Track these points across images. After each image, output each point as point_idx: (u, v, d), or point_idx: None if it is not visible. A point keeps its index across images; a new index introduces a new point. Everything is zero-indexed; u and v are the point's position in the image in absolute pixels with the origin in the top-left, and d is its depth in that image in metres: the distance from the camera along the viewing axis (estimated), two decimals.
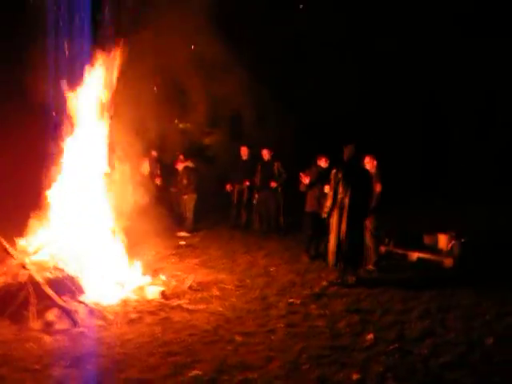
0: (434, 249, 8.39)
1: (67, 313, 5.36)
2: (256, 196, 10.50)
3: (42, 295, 5.55)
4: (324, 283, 6.74)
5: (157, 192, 10.26)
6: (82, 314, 5.55)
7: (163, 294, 6.15)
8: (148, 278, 6.81)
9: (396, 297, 6.21)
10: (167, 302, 5.95)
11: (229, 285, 6.60)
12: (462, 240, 8.10)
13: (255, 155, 10.92)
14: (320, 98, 22.91)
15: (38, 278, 5.75)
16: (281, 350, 4.55)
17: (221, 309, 5.67)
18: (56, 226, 6.58)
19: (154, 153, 10.50)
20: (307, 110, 24.88)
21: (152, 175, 10.15)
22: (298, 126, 26.32)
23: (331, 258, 6.68)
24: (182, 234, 10.07)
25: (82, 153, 6.77)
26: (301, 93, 22.85)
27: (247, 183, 10.66)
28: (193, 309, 5.67)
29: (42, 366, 4.13)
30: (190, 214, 10.12)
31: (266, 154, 10.46)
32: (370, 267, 7.38)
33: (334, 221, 6.65)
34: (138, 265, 7.15)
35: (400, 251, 8.49)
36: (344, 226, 6.58)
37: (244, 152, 10.87)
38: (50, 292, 5.59)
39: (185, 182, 9.99)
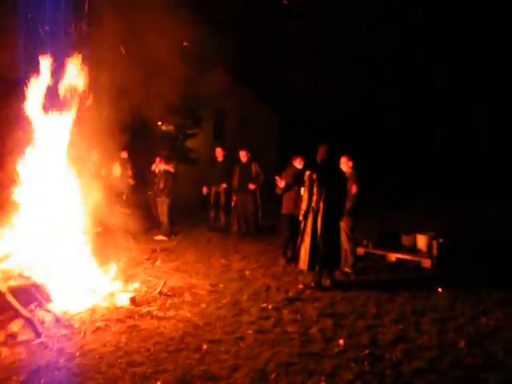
0: (413, 249, 8.31)
1: (30, 323, 5.14)
2: (234, 198, 10.35)
3: (6, 305, 5.35)
4: (300, 286, 6.61)
5: (131, 194, 10.09)
6: (48, 323, 5.36)
7: (133, 301, 5.95)
8: (119, 284, 6.62)
9: (371, 300, 6.09)
10: (136, 308, 5.76)
11: (201, 290, 6.43)
12: (441, 240, 8.03)
13: (230, 156, 10.79)
14: (304, 99, 22.85)
15: (1, 286, 5.53)
16: (248, 357, 4.40)
17: (190, 315, 5.49)
18: (22, 233, 6.35)
19: (125, 154, 10.29)
20: (291, 111, 24.87)
21: (123, 177, 9.93)
22: (283, 126, 26.32)
23: (306, 260, 6.53)
24: (159, 237, 9.88)
25: (49, 154, 6.55)
26: (285, 93, 22.73)
27: (224, 185, 10.51)
28: (162, 316, 5.49)
29: None
30: (164, 218, 9.93)
31: (243, 155, 10.30)
32: (347, 269, 7.27)
33: (308, 223, 6.51)
34: (109, 271, 6.98)
35: (379, 252, 8.40)
36: (319, 228, 6.45)
37: (219, 153, 10.70)
38: (12, 301, 5.38)
39: (161, 185, 9.79)
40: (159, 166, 10.06)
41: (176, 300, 6.04)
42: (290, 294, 6.32)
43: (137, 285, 6.68)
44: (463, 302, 5.99)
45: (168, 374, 4.04)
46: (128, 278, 6.89)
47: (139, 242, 9.27)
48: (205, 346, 4.63)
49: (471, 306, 5.84)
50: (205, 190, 10.72)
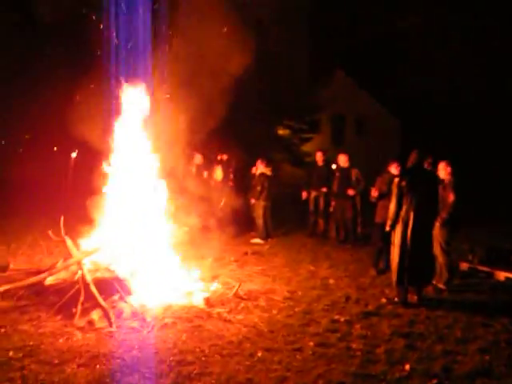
0: None
1: (106, 313, 5.47)
2: (333, 204, 10.03)
3: (90, 295, 5.77)
4: (383, 301, 6.14)
5: (231, 197, 10.27)
6: (126, 314, 5.65)
7: (207, 301, 6.03)
8: (200, 284, 6.76)
9: (460, 322, 5.42)
10: (208, 309, 5.82)
11: (278, 296, 6.29)
12: None
13: (330, 161, 10.48)
14: (426, 100, 21.44)
15: (88, 277, 5.99)
16: (299, 370, 4.16)
17: (257, 320, 5.39)
18: (115, 228, 6.81)
19: (225, 157, 10.49)
20: (413, 113, 23.51)
21: (224, 180, 10.15)
22: (404, 128, 24.97)
23: (394, 274, 6.02)
24: (256, 240, 9.94)
25: (139, 152, 6.93)
26: (406, 95, 21.59)
27: (324, 190, 10.22)
28: (229, 318, 5.47)
29: (59, 361, 4.24)
30: (259, 221, 9.95)
31: (344, 160, 9.93)
32: (441, 286, 6.57)
33: (397, 234, 5.99)
34: (194, 270, 7.17)
35: (485, 269, 7.48)
36: (408, 240, 5.91)
37: (319, 157, 10.42)
38: (95, 292, 5.78)
39: (258, 188, 9.84)
40: (259, 169, 10.11)
41: (250, 304, 5.98)
42: (370, 307, 5.89)
43: (217, 285, 6.75)
44: None
45: (212, 377, 3.99)
46: (211, 278, 6.98)
47: (233, 244, 9.40)
48: (259, 354, 4.49)
49: None
50: (304, 194, 10.54)
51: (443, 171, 6.55)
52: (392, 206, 5.96)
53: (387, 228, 6.06)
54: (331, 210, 10.05)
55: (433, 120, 22.54)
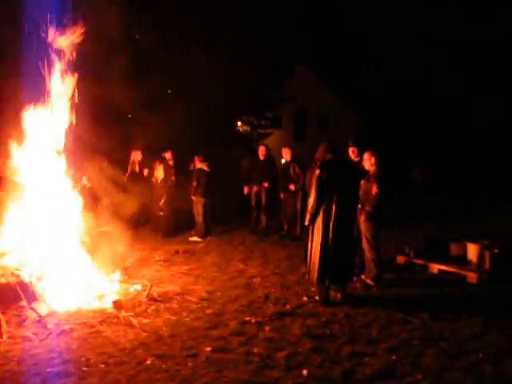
0: (461, 260, 7.07)
1: None
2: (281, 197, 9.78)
3: None
4: (304, 299, 5.82)
5: (171, 197, 9.84)
6: (29, 321, 5.20)
7: (115, 304, 5.61)
8: (116, 286, 6.35)
9: (380, 320, 5.13)
10: (116, 312, 5.41)
11: (194, 297, 5.91)
12: (495, 251, 6.72)
13: (272, 156, 10.17)
14: (387, 97, 21.36)
15: None
16: (185, 379, 3.79)
17: (161, 324, 4.99)
18: (23, 230, 6.32)
19: (169, 155, 10.02)
20: (374, 110, 23.45)
21: (165, 180, 9.69)
22: (365, 125, 24.88)
23: (314, 272, 5.66)
24: (194, 238, 9.54)
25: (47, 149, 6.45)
26: (367, 91, 21.46)
27: (265, 185, 9.88)
28: (133, 323, 5.06)
29: None
30: (199, 218, 9.55)
31: (286, 154, 9.64)
32: (369, 282, 6.30)
33: (318, 229, 5.64)
34: (114, 271, 6.76)
35: (420, 262, 7.26)
36: (331, 235, 5.58)
37: (262, 152, 10.08)
38: None
39: (194, 184, 9.44)
40: (197, 165, 9.70)
41: (162, 306, 5.59)
42: (288, 307, 5.56)
43: (135, 287, 6.34)
44: (496, 332, 4.79)
45: None
46: (130, 280, 6.58)
47: (167, 243, 8.99)
48: (148, 361, 4.10)
49: (503, 337, 4.64)
50: (246, 189, 10.18)
51: (367, 162, 6.27)
52: (311, 199, 5.63)
53: (306, 222, 5.73)
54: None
55: (394, 114, 22.52)
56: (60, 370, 3.94)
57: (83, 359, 4.15)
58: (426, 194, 14.61)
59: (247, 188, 10.16)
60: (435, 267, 7.00)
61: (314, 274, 5.62)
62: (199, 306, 5.59)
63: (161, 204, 9.61)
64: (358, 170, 6.56)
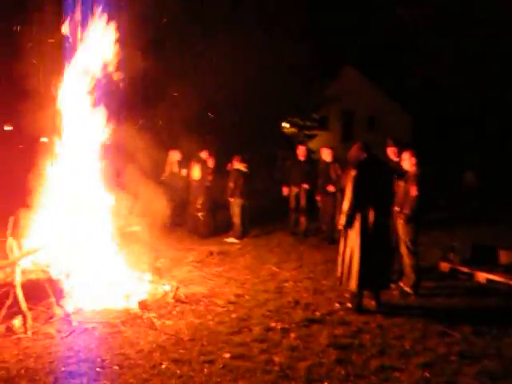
0: (511, 270, 6.52)
1: (23, 318, 5.03)
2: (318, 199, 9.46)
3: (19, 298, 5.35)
4: (336, 306, 5.51)
5: (208, 197, 9.74)
6: (55, 319, 5.22)
7: (141, 305, 5.53)
8: (145, 286, 6.28)
9: (415, 332, 4.76)
10: (140, 313, 5.32)
11: (222, 300, 5.74)
12: None
13: (312, 156, 9.87)
14: (437, 96, 20.49)
15: (17, 279, 5.54)
16: None
17: (183, 327, 4.85)
18: (55, 227, 6.37)
19: (205, 154, 9.93)
20: (424, 110, 22.53)
21: (202, 179, 9.60)
22: (415, 126, 23.98)
23: (353, 278, 5.29)
24: (230, 239, 9.39)
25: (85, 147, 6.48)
26: (417, 91, 20.71)
27: (305, 186, 9.60)
28: (156, 324, 4.95)
29: None
30: (236, 219, 9.39)
31: (326, 154, 9.32)
32: (407, 289, 5.90)
33: (355, 233, 5.31)
34: (145, 271, 6.71)
35: (466, 270, 6.75)
36: (368, 239, 5.23)
37: (302, 152, 9.79)
38: (18, 294, 5.34)
39: (231, 185, 9.28)
40: (234, 165, 9.55)
41: (187, 308, 5.46)
42: (317, 313, 5.27)
43: (164, 288, 6.25)
44: None
45: None
46: (160, 280, 6.49)
47: (203, 244, 8.88)
48: (163, 365, 3.96)
49: None
50: (285, 191, 9.93)
51: (407, 162, 5.87)
52: (346, 202, 5.30)
53: (339, 226, 5.41)
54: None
55: (445, 115, 21.59)
56: (73, 370, 3.87)
57: (99, 359, 4.07)
58: (478, 199, 13.81)
59: (286, 189, 9.91)
60: (482, 276, 6.48)
61: (353, 282, 5.27)
62: (225, 309, 5.41)
63: (198, 205, 9.51)
64: (396, 171, 6.19)
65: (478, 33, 16.12)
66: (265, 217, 11.21)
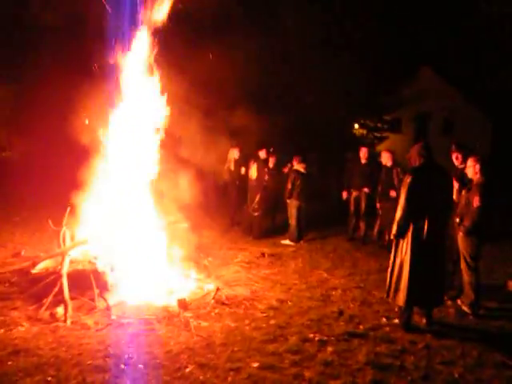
0: None
1: (65, 306, 5.14)
2: (378, 205, 8.98)
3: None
4: (383, 321, 5.13)
5: (265, 196, 9.59)
6: (98, 309, 5.30)
7: (180, 303, 5.46)
8: (188, 284, 6.24)
9: (468, 358, 4.29)
10: (178, 312, 5.26)
11: (264, 304, 5.55)
12: None
13: (375, 159, 9.40)
14: None
15: (64, 269, 5.70)
16: None
17: (217, 330, 4.71)
18: (105, 219, 6.48)
19: (263, 154, 9.77)
20: (505, 111, 20.96)
21: (259, 178, 9.45)
22: (495, 132, 22.36)
23: (403, 293, 4.88)
24: (285, 242, 9.18)
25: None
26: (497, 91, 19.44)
27: (366, 190, 9.17)
28: (191, 325, 4.84)
29: None
30: (292, 221, 9.14)
31: (386, 158, 8.83)
32: (465, 308, 5.38)
33: (407, 244, 4.90)
34: (190, 269, 6.68)
35: None
36: (422, 252, 4.82)
37: (364, 154, 9.35)
38: (64, 284, 5.48)
39: (289, 186, 9.04)
40: (294, 166, 9.31)
41: (226, 310, 5.33)
42: (361, 327, 4.93)
43: (211, 287, 6.16)
44: None
45: None
46: (205, 279, 6.43)
47: (257, 245, 8.73)
48: (188, 369, 3.86)
49: None
50: (344, 194, 9.55)
51: (471, 169, 5.34)
52: (400, 210, 4.90)
53: (391, 236, 5.02)
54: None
55: None
56: (99, 364, 3.86)
57: (126, 356, 4.03)
58: None
59: (346, 193, 9.52)
60: None
61: (401, 296, 4.86)
62: (265, 315, 5.21)
63: (254, 204, 9.38)
64: (461, 178, 5.68)
65: None
66: (325, 220, 10.89)
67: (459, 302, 5.54)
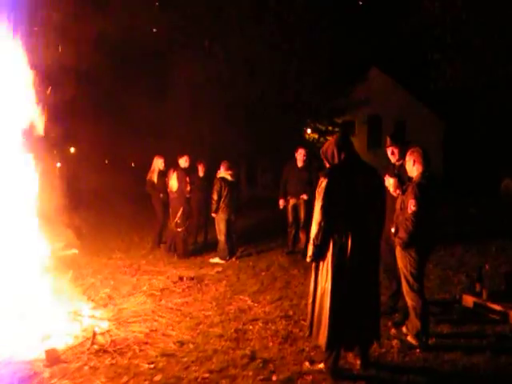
0: None
1: None
2: None
3: None
4: (306, 365, 3.97)
5: (187, 210, 8.35)
6: None
7: (49, 355, 4.17)
8: (73, 325, 4.94)
9: None
10: (43, 368, 3.96)
11: (156, 350, 4.31)
12: None
13: (312, 161, 8.34)
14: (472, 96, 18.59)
15: None
16: None
17: None
18: None
19: (185, 162, 8.44)
20: (457, 112, 20.52)
21: (180, 190, 8.18)
22: (447, 131, 21.89)
23: (323, 333, 3.70)
24: (215, 260, 7.97)
25: None
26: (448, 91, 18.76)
27: (304, 197, 8.08)
28: None
29: None
30: (221, 237, 7.94)
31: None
32: (411, 340, 4.29)
33: (326, 269, 3.74)
34: (83, 304, 5.38)
35: (498, 308, 5.07)
36: (346, 279, 3.68)
37: (301, 156, 8.26)
38: None
39: (214, 197, 7.84)
40: (220, 173, 8.11)
41: (107, 362, 4.09)
42: (273, 378, 3.75)
43: (104, 325, 4.91)
44: None
45: None
46: (98, 315, 5.15)
47: (177, 266, 7.50)
48: None
49: None
50: (281, 203, 8.43)
51: (409, 165, 4.28)
52: (314, 225, 3.78)
53: (307, 259, 3.87)
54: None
55: (482, 120, 19.54)
56: None
57: None
58: None
59: (283, 201, 8.40)
60: None
61: (322, 338, 3.71)
62: (152, 366, 3.98)
63: (176, 219, 8.11)
64: (398, 178, 4.63)
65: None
66: (268, 231, 9.80)
67: (404, 330, 4.45)
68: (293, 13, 18.33)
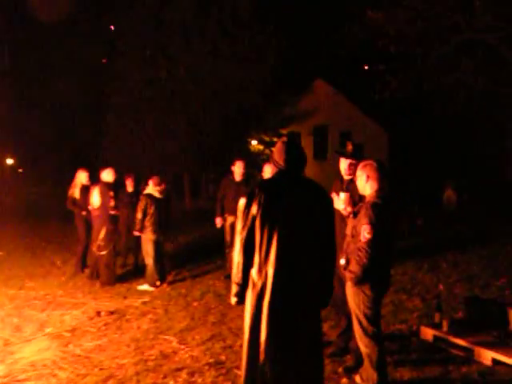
0: None
1: None
2: None
3: None
4: None
5: (111, 230, 7.32)
6: None
7: None
8: None
9: None
10: None
11: None
12: None
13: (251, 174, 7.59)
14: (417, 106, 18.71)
15: None
16: None
17: None
18: None
19: (109, 175, 7.41)
20: (401, 123, 20.60)
21: (104, 209, 7.14)
22: (393, 140, 21.93)
23: None
24: (143, 287, 6.99)
25: None
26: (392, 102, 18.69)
27: None
28: None
29: None
30: (149, 260, 6.99)
31: (268, 172, 7.00)
32: None
33: (245, 315, 2.97)
34: None
35: (461, 343, 4.41)
36: (266, 329, 2.85)
37: (239, 169, 7.46)
38: None
39: (138, 216, 6.89)
40: (147, 189, 7.16)
41: None
42: None
43: None
44: None
45: None
46: None
47: (97, 297, 6.46)
48: None
49: None
50: (218, 221, 7.58)
51: (361, 182, 3.56)
52: (235, 256, 2.97)
53: (231, 298, 3.04)
54: None
55: (425, 132, 19.72)
56: None
57: None
58: (467, 220, 11.91)
59: (220, 219, 7.56)
60: (487, 355, 4.14)
61: None
62: None
63: (99, 241, 7.07)
64: (351, 197, 3.90)
65: (455, 39, 14.16)
66: (203, 251, 8.95)
67: (358, 379, 3.69)
68: (236, 21, 17.84)
